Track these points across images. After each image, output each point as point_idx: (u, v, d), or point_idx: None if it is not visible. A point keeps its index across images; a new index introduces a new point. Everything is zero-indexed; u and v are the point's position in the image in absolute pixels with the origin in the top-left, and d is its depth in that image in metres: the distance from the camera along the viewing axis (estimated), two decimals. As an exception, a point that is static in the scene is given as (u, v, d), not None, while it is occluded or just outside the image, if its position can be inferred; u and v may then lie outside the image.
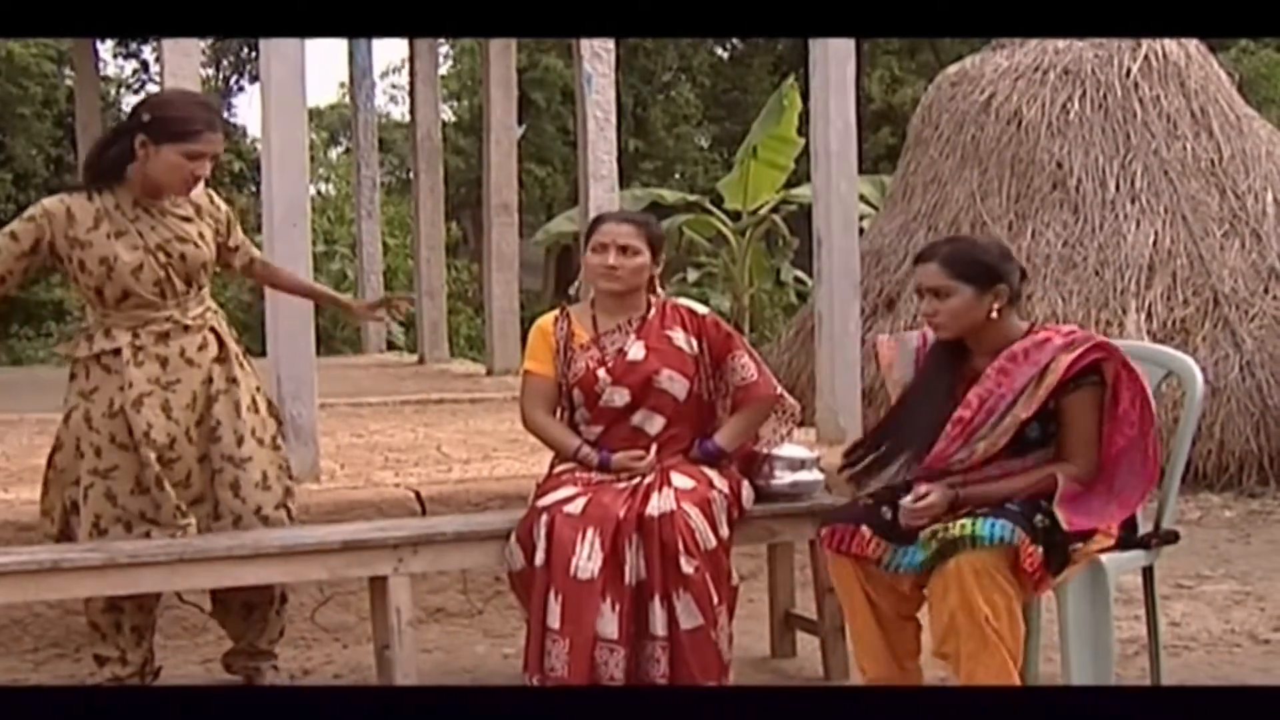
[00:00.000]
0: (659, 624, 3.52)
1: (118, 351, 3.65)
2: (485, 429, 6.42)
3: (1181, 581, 5.25)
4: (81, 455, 3.66)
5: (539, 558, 3.55)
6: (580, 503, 3.60)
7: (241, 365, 3.84)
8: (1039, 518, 3.31)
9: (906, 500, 3.40)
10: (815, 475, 4.09)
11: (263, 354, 4.93)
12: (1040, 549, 3.27)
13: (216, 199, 3.90)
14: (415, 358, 11.20)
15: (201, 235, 3.77)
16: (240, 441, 3.74)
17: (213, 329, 3.79)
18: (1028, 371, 3.39)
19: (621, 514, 3.56)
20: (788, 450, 4.05)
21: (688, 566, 3.51)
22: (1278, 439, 7.36)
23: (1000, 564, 3.26)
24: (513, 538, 3.68)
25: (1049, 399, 3.39)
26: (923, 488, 3.40)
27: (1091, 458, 3.45)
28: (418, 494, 4.71)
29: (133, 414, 3.61)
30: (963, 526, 3.29)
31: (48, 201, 3.67)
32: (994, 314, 3.46)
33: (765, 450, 4.03)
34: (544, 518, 3.58)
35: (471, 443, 5.94)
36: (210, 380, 3.74)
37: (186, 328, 3.73)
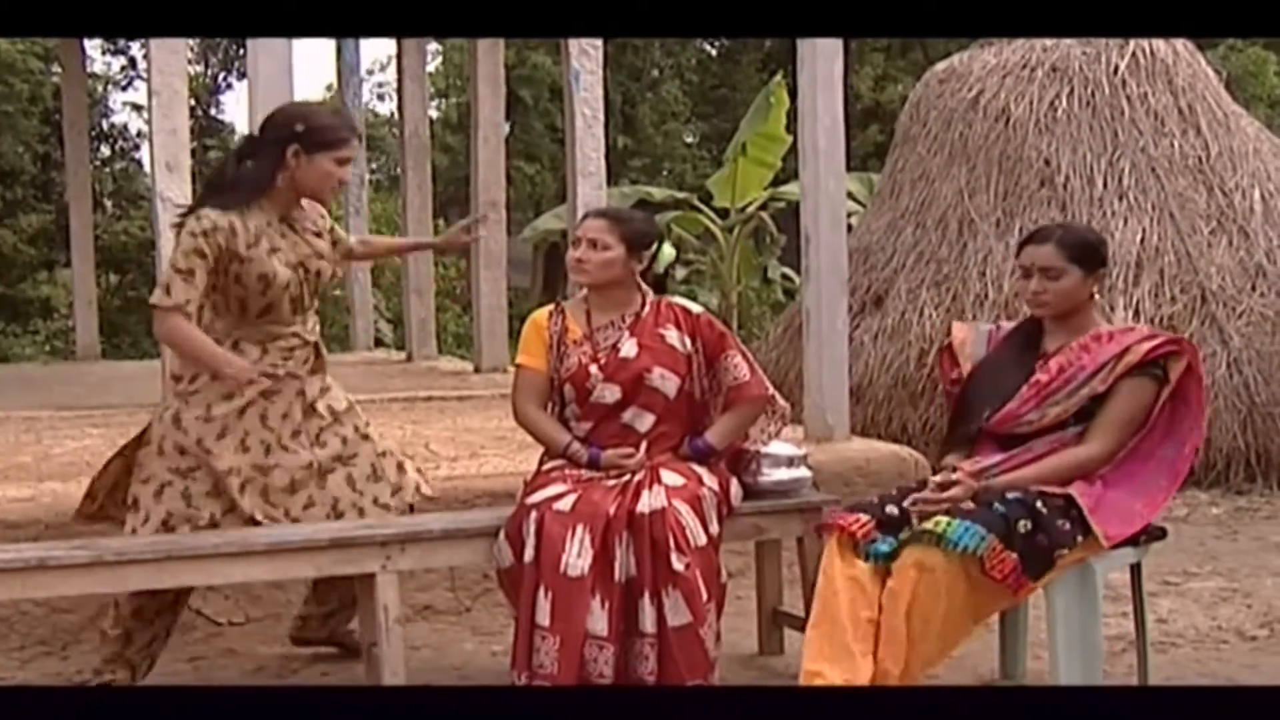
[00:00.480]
0: (648, 621, 3.52)
1: None
2: (473, 426, 6.40)
3: (1169, 578, 5.26)
4: (162, 453, 3.65)
5: (528, 555, 3.54)
6: (570, 500, 3.59)
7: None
8: (1023, 523, 3.31)
9: (927, 490, 3.46)
10: (803, 472, 4.09)
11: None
12: (1014, 554, 3.27)
13: (324, 211, 3.94)
14: (403, 355, 11.16)
15: (330, 250, 3.84)
16: (345, 440, 3.81)
17: (314, 343, 3.84)
18: (1110, 350, 3.55)
19: (611, 511, 3.56)
20: (776, 448, 4.06)
21: (679, 564, 3.51)
22: (1265, 436, 7.39)
23: (954, 571, 3.25)
24: (501, 535, 3.67)
25: (1120, 379, 3.53)
26: (953, 477, 3.46)
27: (1110, 445, 3.52)
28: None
29: (234, 422, 3.63)
30: (936, 523, 3.30)
31: (210, 215, 3.55)
32: (1095, 295, 3.67)
33: (754, 448, 4.03)
34: (533, 515, 3.57)
35: (459, 440, 5.92)
36: (303, 392, 3.77)
37: (305, 342, 3.79)
